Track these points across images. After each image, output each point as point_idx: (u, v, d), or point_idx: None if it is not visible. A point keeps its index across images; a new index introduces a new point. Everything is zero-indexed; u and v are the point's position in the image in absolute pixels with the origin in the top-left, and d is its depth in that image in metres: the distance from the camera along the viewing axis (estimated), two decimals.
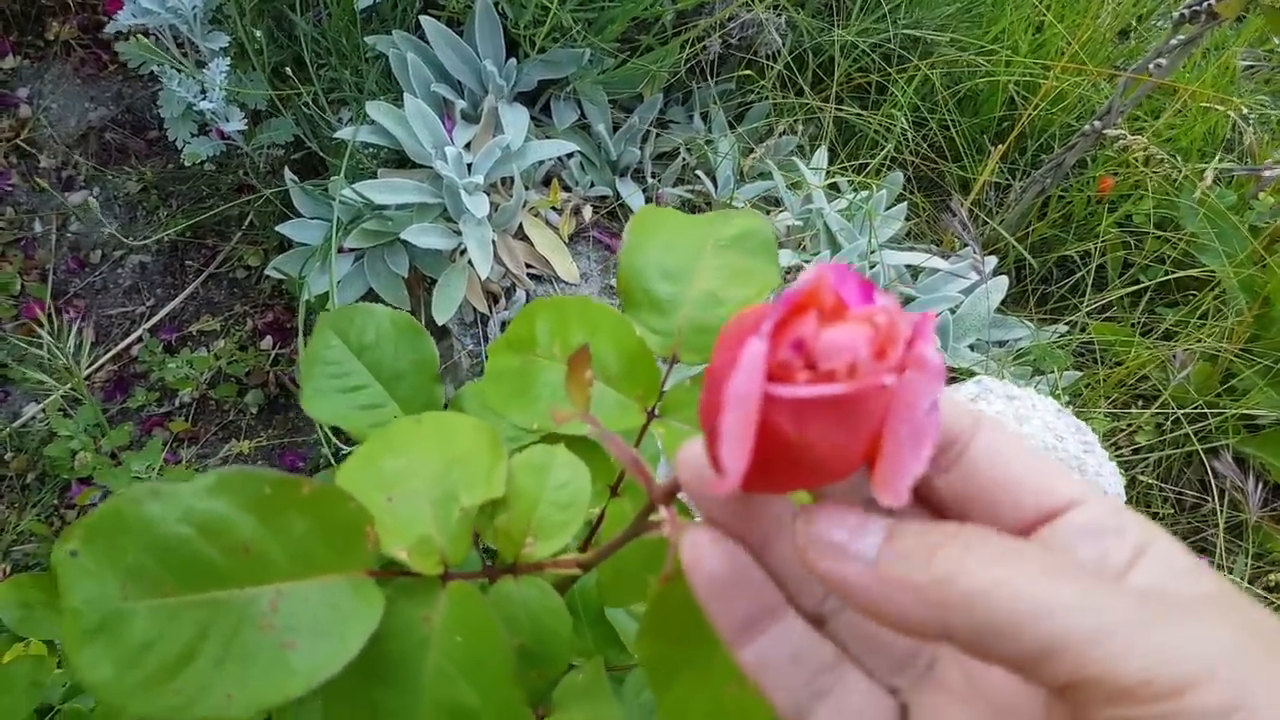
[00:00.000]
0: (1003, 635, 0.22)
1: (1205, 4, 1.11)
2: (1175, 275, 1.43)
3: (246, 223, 1.80)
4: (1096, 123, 1.30)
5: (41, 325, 1.67)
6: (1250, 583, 1.22)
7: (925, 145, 1.58)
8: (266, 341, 1.73)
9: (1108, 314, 1.51)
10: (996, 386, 0.75)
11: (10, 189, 1.89)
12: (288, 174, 1.31)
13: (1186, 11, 1.15)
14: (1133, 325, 1.46)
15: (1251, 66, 1.66)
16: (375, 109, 1.23)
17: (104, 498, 1.54)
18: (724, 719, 0.35)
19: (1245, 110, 1.32)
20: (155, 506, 0.31)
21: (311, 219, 1.30)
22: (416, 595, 0.36)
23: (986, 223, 1.51)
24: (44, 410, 1.64)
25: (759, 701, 0.33)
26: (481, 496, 0.39)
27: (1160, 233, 1.48)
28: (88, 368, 1.68)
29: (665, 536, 0.33)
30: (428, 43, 1.27)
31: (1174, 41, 1.20)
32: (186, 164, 1.36)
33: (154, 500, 0.31)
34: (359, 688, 0.35)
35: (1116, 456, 1.30)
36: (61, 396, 1.62)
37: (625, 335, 0.47)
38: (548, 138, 1.33)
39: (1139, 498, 1.35)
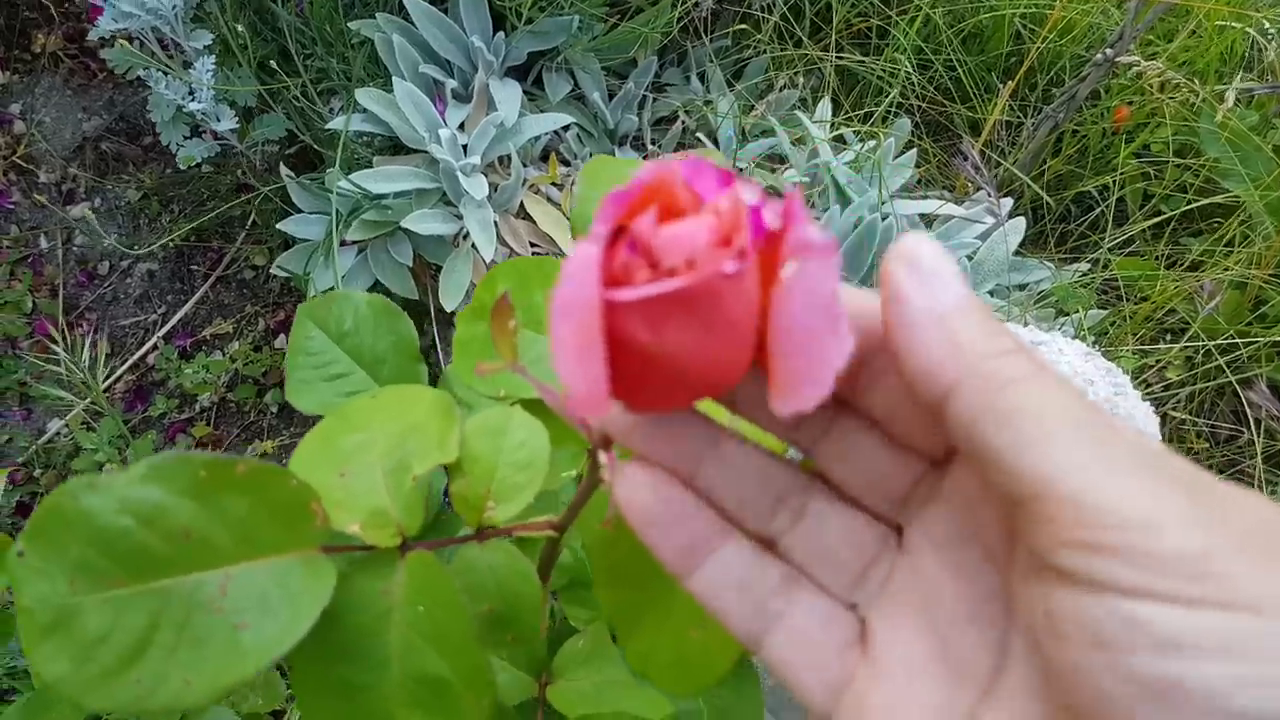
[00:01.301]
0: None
1: None
2: (1198, 204, 1.38)
3: (249, 222, 1.78)
4: (1108, 50, 1.25)
5: (56, 341, 1.67)
6: None
7: (931, 88, 1.54)
8: (280, 340, 1.72)
9: (1130, 249, 1.47)
10: (1021, 333, 0.72)
11: (12, 207, 1.88)
12: (284, 170, 1.29)
13: None
14: (1157, 258, 1.42)
15: None
16: (365, 96, 1.20)
17: None
18: (689, 661, 0.35)
19: (1266, 25, 1.27)
20: (92, 499, 0.31)
21: (311, 214, 1.28)
22: (374, 569, 0.36)
23: (999, 164, 1.47)
24: (67, 425, 1.64)
25: (723, 640, 0.34)
26: (433, 463, 0.39)
27: (1180, 160, 1.43)
28: (106, 380, 1.68)
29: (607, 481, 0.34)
30: (413, 24, 1.24)
31: None
32: (183, 167, 1.35)
33: (90, 493, 0.31)
34: (326, 667, 0.35)
35: (1147, 394, 1.27)
36: (83, 410, 1.62)
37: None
38: (542, 111, 1.31)
39: (1172, 434, 1.31)
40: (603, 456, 0.32)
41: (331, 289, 1.20)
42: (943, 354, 0.23)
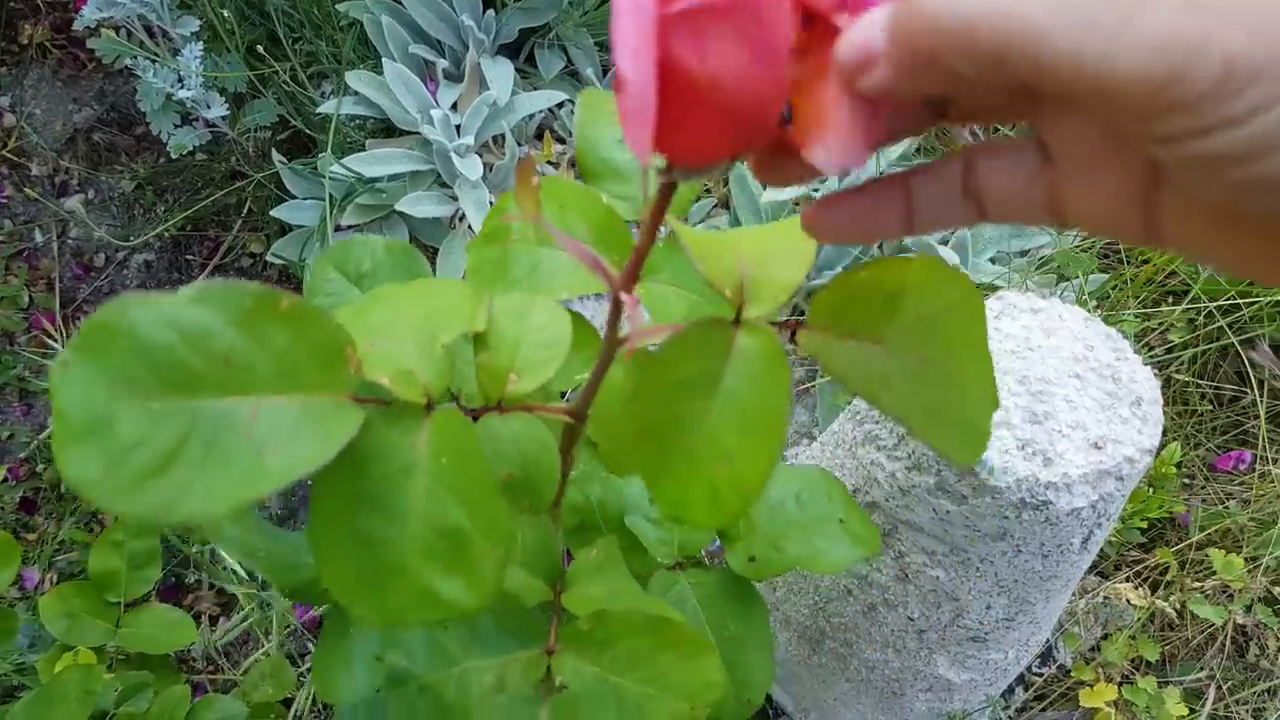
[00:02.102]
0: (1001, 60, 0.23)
1: None
2: None
3: (245, 210, 1.78)
4: None
5: (53, 337, 1.67)
6: None
7: None
8: None
9: None
10: (1019, 300, 0.72)
11: (5, 201, 1.87)
12: (275, 155, 1.28)
13: None
14: None
15: None
16: (355, 78, 1.20)
17: None
18: (719, 495, 0.36)
19: None
20: (140, 313, 0.31)
21: (305, 200, 1.27)
22: (401, 421, 0.37)
23: (999, 128, 1.46)
24: None
25: (749, 469, 0.35)
26: (461, 330, 0.40)
27: None
28: None
29: (633, 339, 0.37)
30: (401, 3, 1.23)
31: None
32: (175, 156, 1.34)
33: (139, 308, 0.32)
34: (347, 518, 0.35)
35: (1150, 357, 1.27)
36: None
37: (593, 205, 0.48)
38: (535, 89, 1.30)
39: (1175, 396, 1.32)
40: (625, 297, 0.35)
41: None
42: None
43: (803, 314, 0.38)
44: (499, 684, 0.48)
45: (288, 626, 1.42)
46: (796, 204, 1.28)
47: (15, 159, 1.90)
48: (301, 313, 0.34)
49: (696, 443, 0.36)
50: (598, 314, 1.23)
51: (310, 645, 1.42)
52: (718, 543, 0.66)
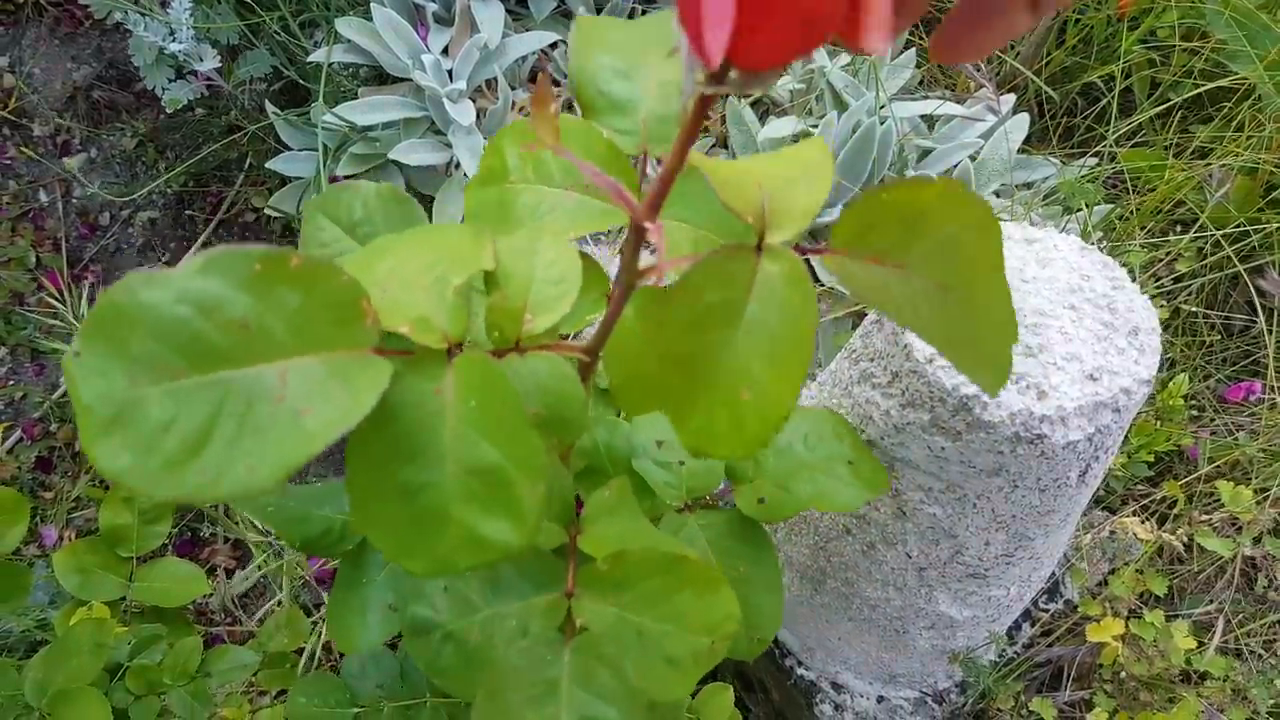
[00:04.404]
0: None
1: None
2: (1206, 88, 1.35)
3: (246, 164, 1.77)
4: None
5: (62, 300, 1.68)
6: None
7: None
8: None
9: (1138, 139, 1.44)
10: (1014, 231, 0.71)
11: (9, 162, 1.87)
12: (270, 107, 1.27)
13: None
14: (1165, 148, 1.38)
15: None
16: (345, 25, 1.18)
17: None
18: (743, 423, 0.36)
19: None
20: (151, 292, 0.31)
21: (301, 151, 1.27)
22: (425, 369, 0.37)
23: (1001, 59, 1.43)
24: None
25: (773, 394, 0.35)
26: (471, 271, 0.40)
27: (1187, 44, 1.39)
28: None
29: (656, 270, 0.37)
30: None
31: None
32: (170, 111, 1.33)
33: (148, 287, 0.31)
34: (383, 470, 0.36)
35: (1157, 287, 1.26)
36: None
37: (594, 140, 0.47)
38: (527, 30, 1.28)
39: (1184, 326, 1.30)
40: (649, 225, 0.35)
41: None
42: None
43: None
44: (522, 629, 0.49)
45: (301, 578, 1.44)
46: (794, 139, 1.26)
47: (16, 120, 1.89)
48: (311, 270, 0.33)
49: (722, 371, 0.36)
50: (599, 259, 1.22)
51: (324, 595, 1.44)
52: (725, 485, 0.66)
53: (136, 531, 1.09)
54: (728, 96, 1.26)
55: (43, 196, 1.85)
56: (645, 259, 0.41)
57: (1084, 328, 0.65)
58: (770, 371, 0.36)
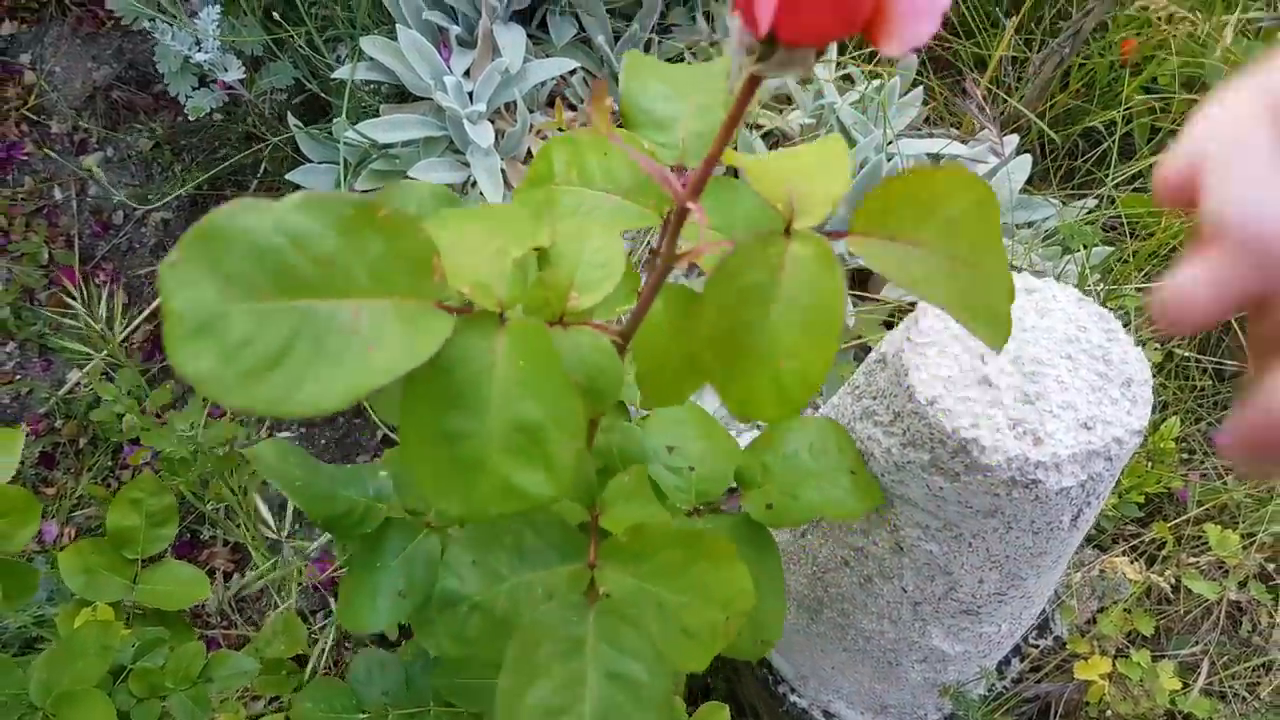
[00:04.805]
0: None
1: None
2: None
3: (261, 170, 1.79)
4: None
5: (74, 297, 1.70)
6: None
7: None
8: None
9: (1137, 184, 1.47)
10: (1015, 280, 0.73)
11: (25, 158, 1.90)
12: (292, 120, 1.30)
13: None
14: None
15: None
16: (370, 44, 1.21)
17: (154, 457, 1.58)
18: (785, 388, 0.40)
19: None
20: (251, 218, 0.33)
21: (320, 164, 1.29)
22: (480, 327, 0.39)
23: (1006, 101, 1.46)
24: (87, 376, 1.67)
25: (812, 359, 0.40)
26: (528, 245, 0.43)
27: (1188, 96, 1.42)
28: (123, 330, 1.71)
29: (695, 253, 0.41)
30: None
31: None
32: (192, 119, 1.35)
33: (249, 212, 0.34)
34: (433, 415, 0.38)
35: (1152, 331, 1.28)
36: (103, 361, 1.65)
37: (637, 147, 0.50)
38: (547, 55, 1.30)
39: (1176, 370, 1.33)
40: (691, 206, 0.39)
41: None
42: None
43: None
44: (548, 595, 0.52)
45: (300, 584, 1.46)
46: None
47: (35, 117, 1.92)
48: (396, 221, 0.36)
49: (761, 343, 0.40)
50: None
51: (325, 601, 1.45)
52: (732, 490, 0.69)
53: (143, 533, 1.10)
54: (749, 126, 1.29)
55: (57, 194, 1.88)
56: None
57: (1080, 377, 0.68)
58: (805, 340, 0.40)
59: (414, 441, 0.39)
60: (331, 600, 1.45)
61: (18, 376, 1.71)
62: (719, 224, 0.51)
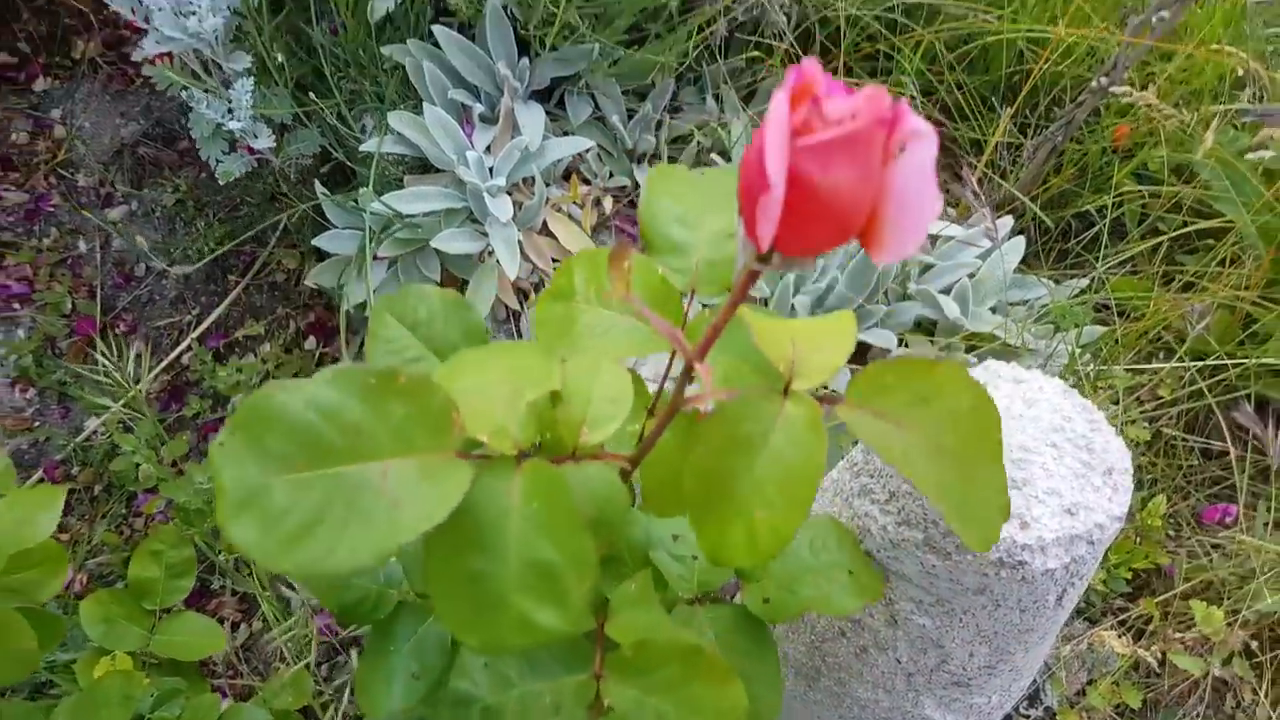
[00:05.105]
0: None
1: None
2: (1194, 227, 1.44)
3: (281, 228, 1.85)
4: (1103, 79, 1.31)
5: (94, 346, 1.75)
6: (1274, 528, 1.25)
7: (936, 109, 1.59)
8: (310, 342, 1.79)
9: (1129, 266, 1.53)
10: (1004, 370, 0.78)
11: (52, 210, 1.95)
12: (319, 187, 1.36)
13: None
14: (1154, 276, 1.47)
15: (1261, 1, 1.65)
16: (397, 119, 1.27)
17: (168, 506, 1.62)
18: (757, 539, 0.43)
19: (1244, 56, 1.32)
20: (285, 397, 0.38)
21: (344, 229, 1.35)
22: (497, 472, 0.43)
23: (1002, 184, 1.52)
24: (104, 425, 1.71)
25: (785, 516, 0.42)
26: (542, 390, 0.46)
27: (1174, 186, 1.49)
28: (142, 381, 1.75)
29: (700, 399, 0.44)
30: (442, 50, 1.31)
31: None
32: (221, 182, 1.41)
33: (284, 392, 0.38)
34: (456, 558, 0.42)
35: (1140, 410, 1.33)
36: (120, 410, 1.69)
37: (650, 274, 0.55)
38: (564, 133, 1.37)
39: (1164, 449, 1.37)
40: (699, 367, 0.42)
41: (364, 303, 1.27)
42: None
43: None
44: (555, 707, 0.54)
45: (307, 638, 1.49)
46: None
47: (64, 170, 1.98)
48: (415, 386, 0.40)
49: (742, 490, 0.43)
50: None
51: (334, 656, 1.48)
52: (734, 580, 0.72)
53: (162, 584, 1.14)
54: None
55: (82, 245, 1.93)
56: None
57: (1064, 465, 0.72)
58: (783, 495, 0.43)
59: (439, 580, 0.42)
60: (343, 655, 1.48)
61: (36, 423, 1.75)
62: (727, 359, 0.55)
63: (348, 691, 1.37)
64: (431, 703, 0.69)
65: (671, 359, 0.56)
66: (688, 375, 0.46)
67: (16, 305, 1.85)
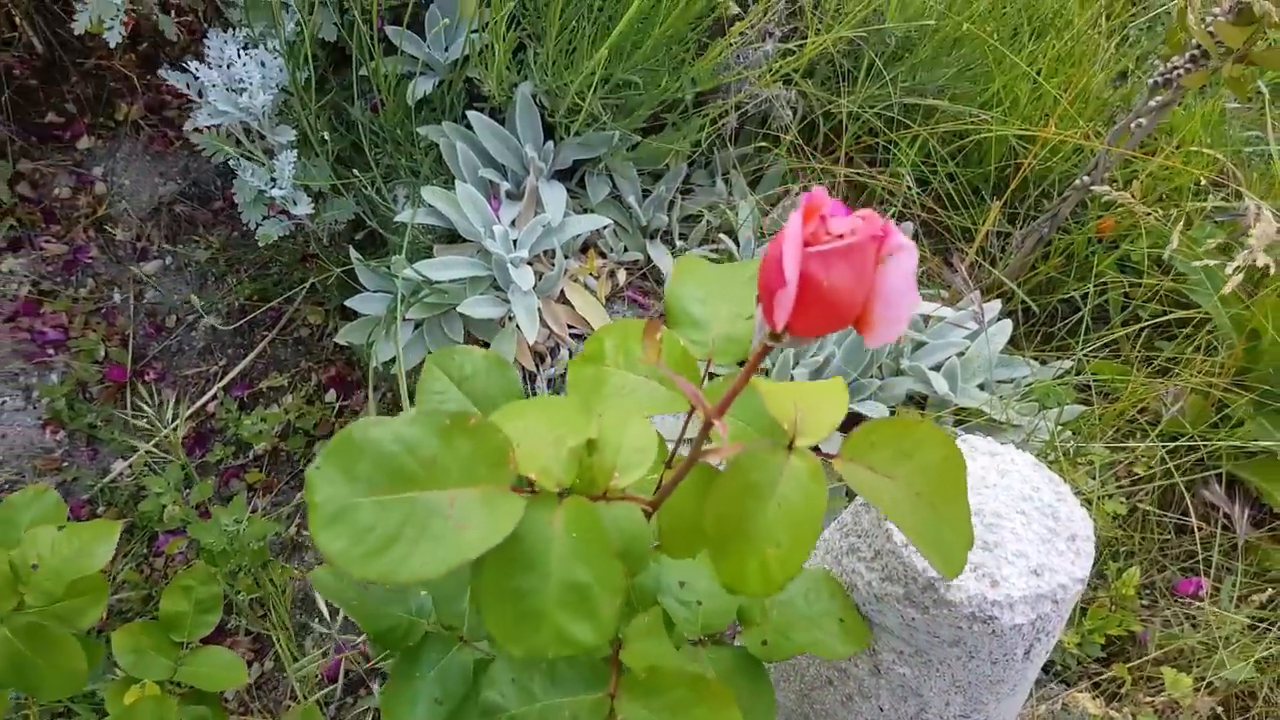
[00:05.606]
0: None
1: (1174, 73, 1.23)
2: (1172, 316, 1.53)
3: (308, 286, 1.95)
4: (1085, 178, 1.41)
5: (124, 392, 1.83)
6: (1241, 601, 1.33)
7: (930, 198, 1.70)
8: (331, 395, 1.88)
9: (1110, 349, 1.62)
10: (980, 444, 0.87)
11: (90, 261, 2.06)
12: (353, 253, 1.46)
13: (1159, 79, 1.26)
14: (1134, 360, 1.56)
15: (1238, 107, 1.77)
16: (430, 193, 1.37)
17: (189, 547, 1.69)
18: (769, 572, 0.50)
19: (1221, 158, 1.43)
20: (375, 430, 0.46)
21: (374, 292, 1.44)
22: (542, 505, 0.50)
23: (991, 270, 1.62)
24: (130, 467, 1.79)
25: (792, 552, 0.50)
26: (582, 438, 0.54)
27: (1154, 277, 1.59)
28: (171, 427, 1.83)
29: (717, 457, 0.51)
30: (474, 132, 1.42)
31: (1151, 104, 1.32)
32: (261, 245, 1.51)
33: (375, 426, 0.46)
34: (505, 577, 0.49)
35: (1117, 486, 1.41)
36: (146, 453, 1.77)
37: (672, 345, 0.64)
38: (584, 210, 1.47)
39: (1140, 522, 1.45)
40: (717, 425, 0.50)
41: (392, 360, 1.36)
42: None
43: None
44: (574, 719, 0.62)
45: (317, 676, 1.55)
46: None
47: (102, 224, 2.09)
48: (481, 428, 0.49)
49: (755, 530, 0.51)
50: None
51: (343, 696, 1.54)
52: (733, 626, 0.80)
53: (190, 619, 1.20)
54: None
55: (116, 296, 2.03)
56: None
57: (1032, 530, 0.81)
58: (790, 534, 0.51)
59: (488, 595, 0.49)
60: (350, 697, 1.54)
61: (65, 464, 1.82)
62: (741, 419, 0.64)
63: None
64: (460, 713, 0.76)
65: (688, 419, 0.64)
66: (708, 429, 0.54)
67: (51, 351, 1.94)
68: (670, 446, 0.66)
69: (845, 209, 0.43)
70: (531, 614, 0.49)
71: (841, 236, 0.42)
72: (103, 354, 1.93)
